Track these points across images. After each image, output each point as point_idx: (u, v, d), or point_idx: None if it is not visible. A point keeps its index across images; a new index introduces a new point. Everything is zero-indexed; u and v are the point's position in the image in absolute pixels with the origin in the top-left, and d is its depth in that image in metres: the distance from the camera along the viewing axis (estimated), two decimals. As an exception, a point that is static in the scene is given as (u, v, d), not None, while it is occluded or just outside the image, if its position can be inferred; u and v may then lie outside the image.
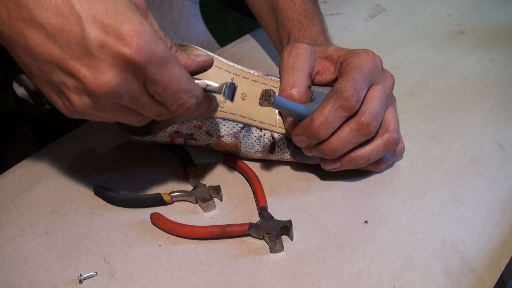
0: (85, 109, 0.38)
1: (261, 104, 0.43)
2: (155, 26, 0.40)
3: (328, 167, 0.50)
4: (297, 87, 0.48)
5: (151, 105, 0.40)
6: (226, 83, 0.43)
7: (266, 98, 0.43)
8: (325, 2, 0.88)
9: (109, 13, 0.35)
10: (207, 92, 0.44)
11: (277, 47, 0.65)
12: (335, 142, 0.46)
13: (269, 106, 0.43)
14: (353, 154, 0.48)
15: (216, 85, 0.43)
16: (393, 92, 0.51)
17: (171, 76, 0.38)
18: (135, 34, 0.35)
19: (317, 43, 0.55)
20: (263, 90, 0.43)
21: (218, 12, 0.95)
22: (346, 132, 0.46)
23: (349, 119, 0.46)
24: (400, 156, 0.54)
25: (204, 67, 0.44)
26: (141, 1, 0.39)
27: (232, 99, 0.43)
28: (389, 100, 0.50)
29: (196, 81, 0.42)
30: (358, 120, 0.46)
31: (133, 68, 0.36)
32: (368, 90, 0.47)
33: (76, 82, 0.36)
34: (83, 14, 0.35)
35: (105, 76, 0.36)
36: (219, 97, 0.48)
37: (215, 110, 0.50)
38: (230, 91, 0.43)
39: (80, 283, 0.44)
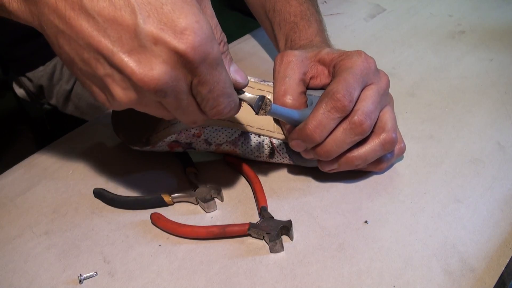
0: (127, 104, 0.37)
1: (257, 113, 0.43)
2: (209, 12, 0.39)
3: (325, 168, 0.50)
4: (289, 94, 0.48)
5: (191, 109, 0.39)
6: (259, 96, 0.42)
7: (263, 107, 0.43)
8: (325, 2, 0.88)
9: (165, 7, 0.34)
10: None
11: (277, 48, 0.65)
12: (329, 144, 0.46)
13: (265, 115, 0.43)
14: (350, 155, 0.48)
15: (249, 95, 0.43)
16: (393, 92, 0.51)
17: (219, 79, 0.38)
18: (192, 31, 0.34)
19: (313, 44, 0.55)
20: (258, 99, 0.42)
21: (218, 12, 0.94)
22: (339, 132, 0.46)
23: (343, 120, 0.46)
24: (401, 155, 0.54)
25: (240, 87, 0.42)
26: None
27: (257, 112, 0.43)
28: (385, 100, 0.50)
29: None
30: (351, 119, 0.46)
31: (185, 65, 0.35)
32: (362, 90, 0.47)
33: (122, 76, 0.35)
34: (137, 7, 0.33)
35: (155, 72, 0.35)
36: None
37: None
38: (259, 103, 0.43)
39: (80, 283, 0.44)
